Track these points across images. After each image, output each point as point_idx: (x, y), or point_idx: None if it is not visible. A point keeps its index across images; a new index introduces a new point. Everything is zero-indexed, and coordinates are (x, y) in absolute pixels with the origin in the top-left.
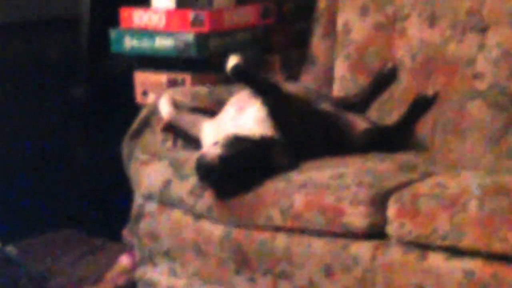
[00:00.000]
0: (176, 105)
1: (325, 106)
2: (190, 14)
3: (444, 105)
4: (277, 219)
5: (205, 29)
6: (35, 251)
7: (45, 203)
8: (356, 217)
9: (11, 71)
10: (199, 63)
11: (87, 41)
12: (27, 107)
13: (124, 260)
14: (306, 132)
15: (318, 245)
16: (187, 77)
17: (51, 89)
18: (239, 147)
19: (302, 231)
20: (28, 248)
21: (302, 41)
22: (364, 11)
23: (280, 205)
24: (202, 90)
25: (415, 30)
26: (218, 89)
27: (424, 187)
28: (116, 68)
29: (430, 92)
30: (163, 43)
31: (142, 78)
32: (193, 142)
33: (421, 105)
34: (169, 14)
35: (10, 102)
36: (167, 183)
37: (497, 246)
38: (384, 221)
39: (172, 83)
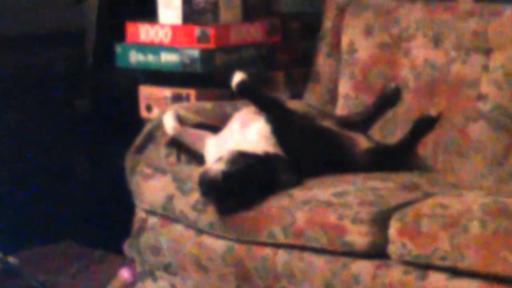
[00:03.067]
0: (180, 120)
1: (329, 124)
2: (196, 30)
3: (447, 125)
4: (279, 236)
5: (211, 45)
6: (36, 262)
7: (47, 215)
8: (358, 236)
9: (16, 83)
10: (204, 78)
11: (92, 55)
12: (31, 119)
13: (125, 274)
14: (309, 150)
15: (319, 263)
16: (192, 93)
17: (56, 101)
18: (243, 164)
19: (304, 248)
20: (29, 259)
21: (307, 59)
22: (369, 31)
23: (282, 222)
24: (207, 105)
25: (420, 51)
26: (223, 105)
27: (425, 207)
28: (120, 82)
29: (433, 112)
30: (168, 58)
31: (147, 93)
32: (197, 157)
33: (424, 125)
34: (175, 29)
35: (14, 114)
36: (170, 198)
37: (498, 268)
38: (385, 240)
39: (177, 98)
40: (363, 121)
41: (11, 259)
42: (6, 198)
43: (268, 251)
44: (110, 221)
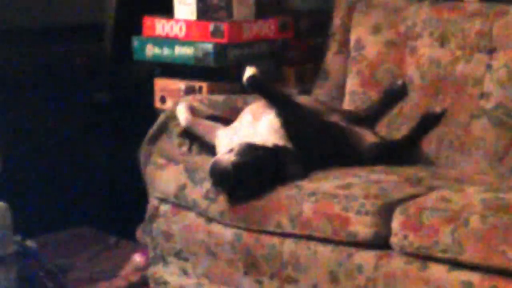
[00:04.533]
0: (193, 111)
1: (336, 119)
2: (210, 25)
3: (451, 122)
4: (286, 226)
5: (224, 40)
6: (54, 246)
7: (65, 202)
8: (362, 226)
9: (38, 75)
10: (216, 72)
11: (110, 48)
12: (52, 110)
13: (138, 258)
14: (316, 143)
15: (324, 252)
16: (204, 85)
17: (75, 93)
18: (252, 155)
19: (310, 238)
20: (47, 243)
21: (316, 56)
22: (376, 29)
23: (289, 212)
24: (219, 98)
25: (426, 49)
26: (234, 98)
27: (428, 200)
28: (137, 75)
29: (437, 109)
30: (183, 52)
31: (162, 85)
32: (208, 148)
33: (429, 121)
34: (190, 24)
35: (35, 105)
36: (182, 187)
37: (496, 261)
38: (388, 232)
39: (190, 91)
40: (369, 117)
41: (30, 243)
42: (27, 184)
43: (275, 239)
44: (124, 208)
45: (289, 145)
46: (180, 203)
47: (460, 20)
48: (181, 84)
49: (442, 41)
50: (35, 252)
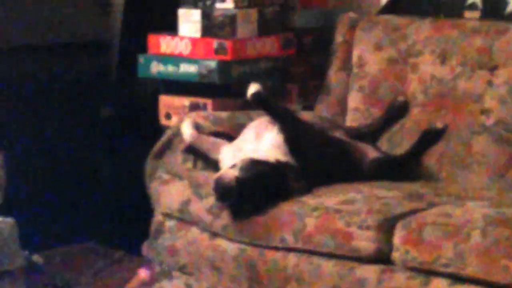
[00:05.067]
0: (197, 128)
1: (338, 134)
2: (214, 43)
3: (452, 138)
4: (290, 241)
5: (228, 57)
6: (60, 261)
7: (71, 216)
8: (364, 241)
9: (45, 91)
10: (220, 89)
11: (116, 65)
12: (59, 126)
13: (143, 273)
14: (319, 159)
15: (327, 266)
16: (209, 102)
17: (82, 109)
18: (256, 170)
19: (313, 252)
20: (53, 258)
21: (319, 72)
22: (378, 47)
23: (293, 227)
24: (223, 115)
25: (427, 66)
26: (238, 115)
27: (429, 216)
28: (142, 91)
29: (439, 125)
30: (187, 69)
31: (166, 102)
32: (212, 164)
33: (430, 137)
34: (194, 41)
35: (42, 120)
36: (187, 202)
37: (498, 276)
38: (390, 246)
39: (194, 107)
40: (371, 133)
41: (36, 258)
42: (33, 200)
43: (278, 254)
44: (130, 223)
45: (292, 161)
46: (184, 218)
47: (461, 37)
48: (185, 101)
49: (444, 58)
50: (42, 267)
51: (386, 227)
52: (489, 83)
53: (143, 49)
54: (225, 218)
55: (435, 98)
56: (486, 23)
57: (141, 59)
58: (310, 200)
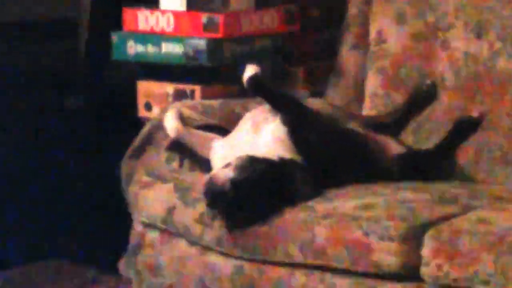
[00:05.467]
0: (183, 120)
1: (354, 126)
2: (203, 17)
3: (491, 129)
4: (297, 255)
5: (219, 34)
6: (22, 282)
7: (34, 229)
8: (386, 255)
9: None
10: (211, 73)
11: (85, 46)
12: (16, 120)
13: None
14: (331, 155)
15: (342, 285)
16: (197, 89)
17: (44, 99)
18: (254, 170)
19: (325, 269)
20: (14, 279)
21: (329, 51)
22: (401, 19)
23: (300, 238)
24: (214, 104)
25: (460, 42)
26: (232, 104)
27: (465, 223)
28: (116, 77)
29: (475, 113)
30: (171, 49)
31: (146, 89)
32: (202, 163)
33: (465, 128)
34: (178, 16)
35: None
36: (171, 210)
37: None
38: (418, 260)
39: (180, 95)
40: (393, 123)
41: None
42: None
43: (283, 271)
44: (104, 236)
45: (298, 158)
46: (169, 229)
47: (501, 7)
48: (169, 88)
49: (479, 32)
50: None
51: (413, 237)
52: None
53: (118, 26)
54: (218, 228)
55: (470, 80)
56: None
57: (115, 37)
58: (320, 205)
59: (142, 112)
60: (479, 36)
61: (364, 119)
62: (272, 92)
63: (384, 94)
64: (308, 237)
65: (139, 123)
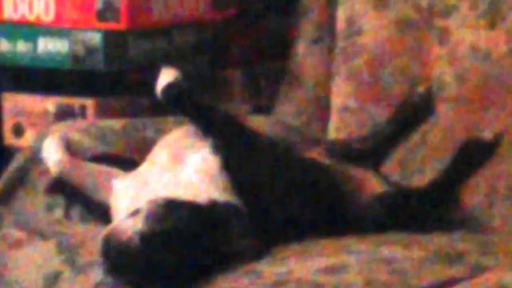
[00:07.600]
0: (71, 149)
1: (315, 154)
2: (97, 1)
3: (510, 156)
4: None
5: (121, 24)
6: None
7: None
8: None
9: None
10: (110, 80)
11: None
12: None
13: None
14: (282, 196)
15: None
16: (90, 104)
17: None
18: (173, 219)
19: None
20: None
21: (279, 47)
22: (381, 2)
23: None
24: (115, 125)
25: (466, 32)
26: (141, 124)
27: None
28: None
29: (487, 134)
30: (51, 47)
31: (15, 105)
32: (98, 210)
33: (472, 156)
34: (61, 0)
35: None
36: (54, 278)
37: None
38: None
39: (65, 114)
40: (372, 150)
41: None
42: None
43: None
44: None
45: (235, 200)
46: None
47: None
48: (49, 103)
49: (493, 19)
50: None
51: None
52: None
53: None
54: None
55: (479, 87)
56: None
57: None
58: (268, 267)
59: (9, 139)
60: (492, 24)
61: (330, 144)
62: (198, 107)
63: (359, 108)
64: None
65: (6, 154)
